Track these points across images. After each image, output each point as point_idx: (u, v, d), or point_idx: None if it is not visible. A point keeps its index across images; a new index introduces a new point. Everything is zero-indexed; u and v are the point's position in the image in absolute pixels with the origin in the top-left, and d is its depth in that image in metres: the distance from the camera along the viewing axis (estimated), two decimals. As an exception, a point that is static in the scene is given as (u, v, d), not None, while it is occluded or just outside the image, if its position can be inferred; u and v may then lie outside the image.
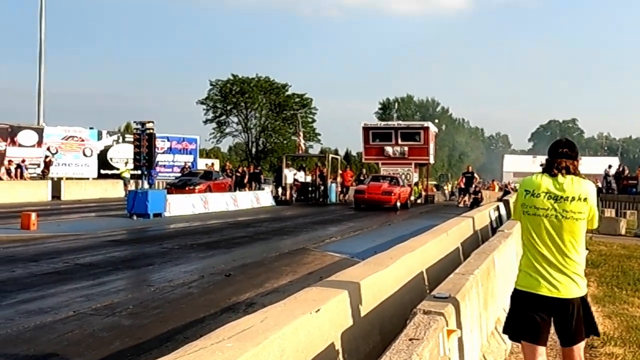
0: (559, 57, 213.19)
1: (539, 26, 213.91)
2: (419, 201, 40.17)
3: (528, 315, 4.81)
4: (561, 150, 4.92)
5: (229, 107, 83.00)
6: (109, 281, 11.16)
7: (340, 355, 4.98)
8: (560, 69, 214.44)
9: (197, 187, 32.17)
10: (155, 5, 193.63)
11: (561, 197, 4.75)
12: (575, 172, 4.86)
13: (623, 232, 26.11)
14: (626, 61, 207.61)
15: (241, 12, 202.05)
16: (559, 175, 4.81)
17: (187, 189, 31.63)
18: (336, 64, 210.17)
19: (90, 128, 43.06)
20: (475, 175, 40.88)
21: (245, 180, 38.64)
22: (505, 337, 6.31)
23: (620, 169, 45.35)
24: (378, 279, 6.35)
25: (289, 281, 11.54)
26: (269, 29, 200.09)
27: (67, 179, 38.58)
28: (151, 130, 23.76)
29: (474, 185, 38.61)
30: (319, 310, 4.66)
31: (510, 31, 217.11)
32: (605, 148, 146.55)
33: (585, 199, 4.76)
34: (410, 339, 3.84)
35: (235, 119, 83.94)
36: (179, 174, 40.00)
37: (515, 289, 4.99)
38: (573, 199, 4.74)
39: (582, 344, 4.91)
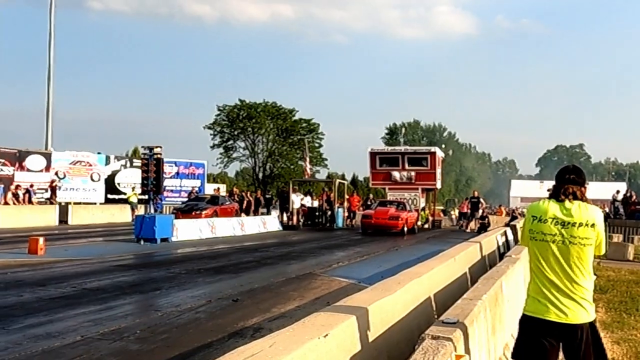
0: (565, 81, 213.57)
1: (545, 51, 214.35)
2: (426, 226, 40.15)
3: (537, 341, 4.80)
4: (568, 176, 4.94)
5: (236, 132, 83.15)
6: (117, 306, 11.17)
7: (349, 381, 4.98)
8: (567, 94, 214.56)
9: (204, 212, 32.19)
10: (163, 30, 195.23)
11: (568, 222, 4.77)
12: (583, 198, 4.87)
13: (631, 257, 25.99)
14: (635, 86, 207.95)
15: (249, 38, 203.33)
16: (566, 201, 4.83)
17: (193, 213, 31.66)
18: (343, 89, 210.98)
19: (98, 153, 43.21)
20: (481, 200, 40.85)
21: (252, 209, 38.54)
22: (514, 362, 6.32)
23: (628, 194, 45.35)
24: (386, 304, 6.34)
25: (296, 306, 11.53)
26: (276, 54, 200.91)
27: (74, 203, 38.65)
28: (159, 155, 23.88)
29: (480, 211, 38.59)
30: (327, 335, 4.67)
31: (517, 56, 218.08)
32: (613, 173, 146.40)
33: (592, 225, 4.76)
34: (418, 365, 3.85)
35: (243, 144, 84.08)
36: (186, 199, 40.05)
37: (523, 315, 4.99)
38: (580, 224, 4.75)
39: (591, 370, 4.90)
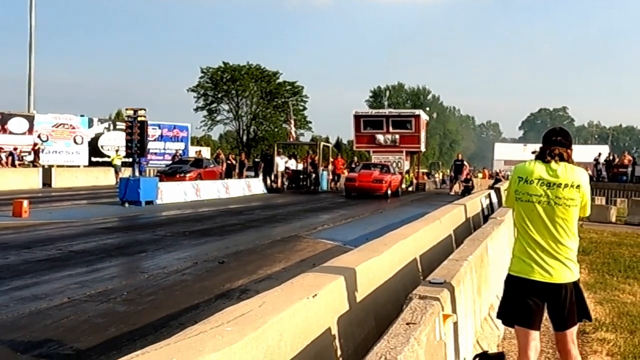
0: (550, 45, 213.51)
1: (529, 15, 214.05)
2: (410, 189, 40.21)
3: (521, 301, 4.87)
4: (555, 138, 4.97)
5: (220, 95, 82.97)
6: (103, 268, 11.17)
7: (337, 341, 5.02)
8: (552, 58, 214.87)
9: (188, 175, 32.12)
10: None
11: (554, 183, 4.80)
12: (569, 160, 4.91)
13: (613, 219, 26.29)
14: (617, 50, 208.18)
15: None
16: (552, 162, 4.86)
17: (177, 176, 31.55)
18: (327, 52, 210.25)
19: (81, 115, 42.98)
20: (465, 163, 40.97)
21: (236, 171, 38.53)
22: (499, 323, 6.38)
23: (611, 157, 45.62)
24: (373, 265, 6.39)
25: (282, 268, 11.58)
26: (260, 16, 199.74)
27: (58, 166, 38.53)
28: (143, 118, 23.81)
29: (464, 173, 38.72)
30: (315, 295, 4.71)
31: (501, 20, 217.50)
32: (596, 136, 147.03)
33: (578, 186, 4.80)
34: (407, 323, 3.89)
35: (226, 107, 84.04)
36: (170, 162, 39.95)
37: (508, 275, 5.04)
38: (566, 185, 4.79)
39: (574, 329, 4.98)
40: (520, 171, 5.02)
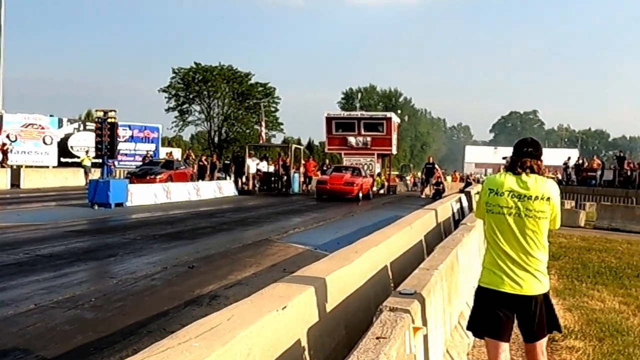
0: (520, 48, 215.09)
1: (500, 17, 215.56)
2: (381, 192, 40.30)
3: (492, 312, 4.87)
4: (526, 149, 4.98)
5: (191, 96, 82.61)
6: (71, 273, 11.03)
7: (307, 352, 4.99)
8: (522, 61, 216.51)
9: (159, 177, 31.88)
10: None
11: (525, 195, 4.82)
12: (539, 172, 4.92)
13: (582, 224, 26.53)
14: (587, 54, 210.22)
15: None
16: (523, 174, 4.87)
17: (148, 178, 31.28)
18: (299, 54, 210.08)
19: (51, 115, 42.53)
20: (436, 166, 41.15)
21: (207, 173, 38.38)
22: (469, 331, 6.40)
23: (580, 161, 46.01)
24: (344, 273, 6.37)
25: (252, 273, 11.52)
26: (231, 16, 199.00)
27: (26, 167, 38.10)
28: (113, 119, 23.54)
29: (436, 177, 38.88)
30: (285, 307, 4.67)
31: (472, 22, 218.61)
32: (565, 140, 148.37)
33: (548, 199, 4.82)
34: (377, 338, 3.87)
35: (198, 108, 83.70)
36: (141, 163, 39.66)
37: (478, 286, 5.05)
38: (536, 198, 4.81)
39: (544, 340, 5.00)
40: (491, 183, 5.03)
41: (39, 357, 6.65)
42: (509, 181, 4.90)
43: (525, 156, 4.93)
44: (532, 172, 4.88)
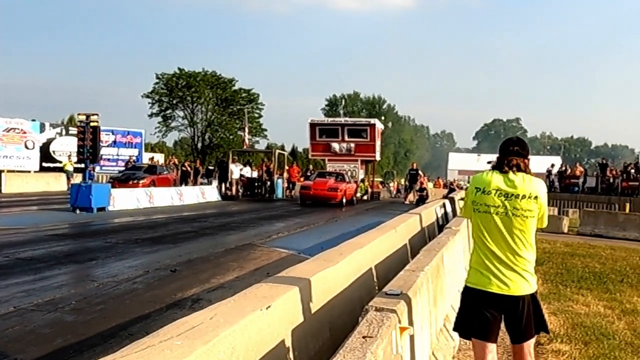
0: (503, 56, 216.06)
1: (482, 26, 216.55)
2: (364, 198, 40.26)
3: (478, 313, 4.80)
4: (512, 148, 4.92)
5: (174, 101, 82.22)
6: (51, 276, 10.88)
7: (291, 353, 4.90)
8: (505, 69, 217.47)
9: (141, 182, 31.76)
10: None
11: (512, 194, 4.75)
12: (526, 170, 4.86)
13: (566, 230, 26.57)
14: (570, 62, 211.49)
15: (188, 5, 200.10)
16: (510, 173, 4.81)
17: (130, 183, 31.19)
18: (283, 60, 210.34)
19: (33, 120, 42.17)
20: (420, 172, 41.18)
21: (190, 179, 38.26)
22: (454, 334, 6.32)
23: (563, 168, 46.22)
24: (328, 275, 6.28)
25: (235, 277, 11.42)
26: (216, 22, 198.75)
27: (8, 171, 37.75)
28: (96, 123, 23.37)
29: (419, 183, 38.90)
30: (269, 307, 4.58)
31: (454, 30, 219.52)
32: (548, 147, 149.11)
33: (535, 197, 4.76)
34: (363, 337, 3.78)
35: (181, 113, 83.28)
36: (123, 168, 39.43)
37: (465, 286, 4.97)
38: (524, 196, 4.74)
39: (532, 341, 4.93)
40: (477, 182, 4.96)
41: (17, 359, 6.53)
42: (496, 180, 4.83)
43: (511, 155, 4.87)
44: (519, 170, 4.82)
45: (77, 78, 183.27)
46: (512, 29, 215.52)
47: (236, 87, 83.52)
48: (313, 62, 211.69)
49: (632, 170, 41.54)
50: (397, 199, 44.70)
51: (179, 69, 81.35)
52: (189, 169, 39.69)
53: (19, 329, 7.61)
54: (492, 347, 4.84)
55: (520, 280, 4.76)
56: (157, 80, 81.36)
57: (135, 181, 31.63)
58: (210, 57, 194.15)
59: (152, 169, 35.60)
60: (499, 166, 4.89)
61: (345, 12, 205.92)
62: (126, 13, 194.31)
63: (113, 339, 7.23)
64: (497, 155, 5.01)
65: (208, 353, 3.58)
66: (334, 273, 6.51)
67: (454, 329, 5.18)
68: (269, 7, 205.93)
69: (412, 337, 4.94)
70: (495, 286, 4.75)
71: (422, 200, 34.99)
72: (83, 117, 23.56)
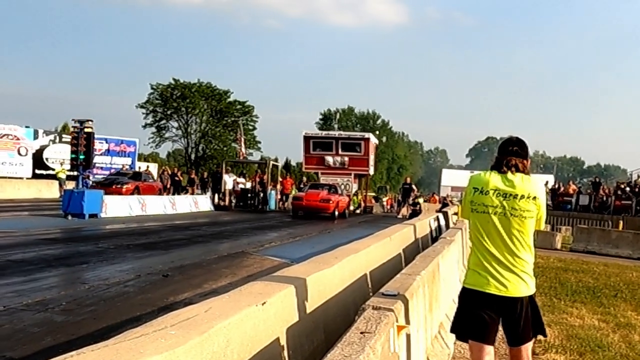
0: (497, 74, 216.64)
1: (476, 43, 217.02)
2: (357, 211, 40.22)
3: (476, 314, 4.73)
4: (511, 148, 4.86)
5: (169, 112, 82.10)
6: (42, 278, 10.80)
7: (285, 352, 4.83)
8: (499, 86, 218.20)
9: (125, 187, 31.60)
10: (96, 6, 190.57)
11: (510, 194, 4.69)
12: (525, 171, 4.80)
13: (559, 246, 26.61)
14: (564, 81, 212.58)
15: (182, 17, 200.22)
16: (509, 173, 4.75)
17: (114, 187, 30.92)
18: (278, 73, 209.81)
19: (26, 127, 42.03)
20: (413, 186, 41.17)
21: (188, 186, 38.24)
22: (449, 342, 6.25)
23: (556, 185, 46.40)
24: (323, 277, 6.22)
25: (228, 283, 11.33)
26: (210, 35, 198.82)
27: (0, 177, 37.61)
28: (90, 130, 23.27)
29: (412, 197, 38.89)
30: (265, 303, 4.51)
31: (448, 47, 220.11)
32: (541, 166, 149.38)
33: (534, 198, 4.71)
34: (361, 332, 3.71)
35: (175, 124, 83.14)
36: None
37: (463, 287, 4.90)
38: (522, 196, 4.68)
39: (530, 344, 4.86)
40: (475, 182, 4.89)
41: (6, 357, 6.45)
42: (494, 180, 4.77)
43: (510, 155, 4.82)
44: (518, 170, 4.76)
45: (71, 88, 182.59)
46: (506, 47, 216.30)
47: (231, 99, 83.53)
48: (308, 77, 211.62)
49: (627, 189, 41.67)
50: (389, 214, 44.64)
51: (174, 79, 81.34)
52: (180, 178, 39.58)
53: (9, 327, 7.53)
54: (489, 349, 4.76)
55: (519, 282, 4.69)
56: (152, 91, 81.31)
57: (119, 186, 31.43)
58: (205, 69, 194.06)
59: (137, 175, 35.45)
60: (498, 166, 4.84)
61: (339, 28, 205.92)
62: (121, 23, 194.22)
63: (103, 339, 7.11)
64: (498, 147, 4.97)
65: (203, 344, 3.51)
66: (329, 275, 6.45)
67: (451, 331, 5.10)
68: (262, 22, 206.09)
69: (408, 338, 4.87)
70: (493, 287, 4.68)
71: (415, 214, 34.92)
72: (77, 123, 23.44)
